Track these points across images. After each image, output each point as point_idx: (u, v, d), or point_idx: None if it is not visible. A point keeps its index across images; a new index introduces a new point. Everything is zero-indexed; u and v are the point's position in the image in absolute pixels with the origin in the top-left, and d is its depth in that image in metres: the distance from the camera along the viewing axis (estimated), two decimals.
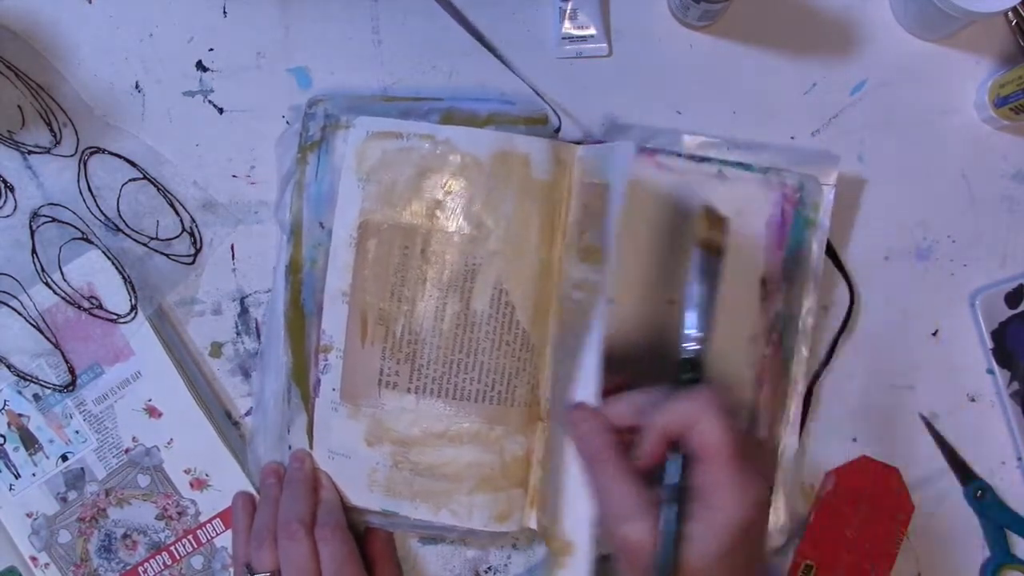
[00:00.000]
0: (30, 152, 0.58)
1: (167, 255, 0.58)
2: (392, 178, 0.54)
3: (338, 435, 0.55)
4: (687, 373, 0.48)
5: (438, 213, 0.54)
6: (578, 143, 0.55)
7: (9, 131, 0.58)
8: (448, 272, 0.53)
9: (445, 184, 0.54)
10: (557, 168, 0.54)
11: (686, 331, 0.48)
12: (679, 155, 0.56)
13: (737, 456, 0.42)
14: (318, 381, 0.55)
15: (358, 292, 0.54)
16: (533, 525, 0.55)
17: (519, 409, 0.54)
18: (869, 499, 0.56)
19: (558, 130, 0.57)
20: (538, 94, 0.58)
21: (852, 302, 0.58)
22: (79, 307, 0.56)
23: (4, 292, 0.56)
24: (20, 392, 0.56)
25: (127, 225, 0.58)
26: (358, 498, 0.55)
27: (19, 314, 0.56)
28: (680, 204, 0.56)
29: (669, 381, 0.47)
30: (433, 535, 0.57)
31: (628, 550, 0.43)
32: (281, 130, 0.58)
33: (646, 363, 0.55)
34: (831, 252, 0.57)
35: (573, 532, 0.51)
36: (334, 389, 0.54)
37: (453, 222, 0.54)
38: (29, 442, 0.56)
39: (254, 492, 0.56)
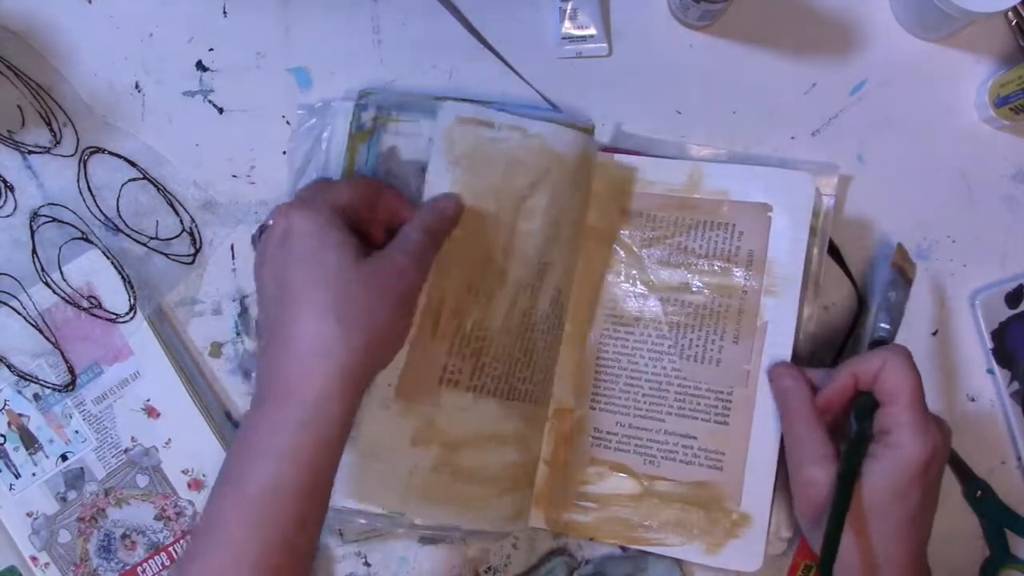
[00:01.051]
0: (30, 152, 0.58)
1: (167, 255, 0.58)
2: (482, 166, 0.52)
3: (378, 434, 0.51)
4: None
5: (522, 207, 0.52)
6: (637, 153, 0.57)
7: (9, 131, 0.58)
8: (524, 269, 0.52)
9: (533, 179, 0.52)
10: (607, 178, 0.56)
11: None
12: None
13: (920, 400, 0.46)
14: None
15: (437, 279, 0.51)
16: (539, 524, 0.55)
17: (543, 408, 0.54)
18: None
19: None
20: (539, 94, 0.58)
21: (860, 309, 0.57)
22: (79, 307, 0.56)
23: (4, 292, 0.56)
24: (20, 392, 0.56)
25: (127, 225, 0.58)
26: (377, 500, 0.51)
27: (19, 314, 0.56)
28: None
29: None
30: (433, 535, 0.57)
31: (808, 489, 0.48)
32: (281, 130, 0.58)
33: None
34: (838, 258, 0.57)
35: (752, 507, 0.53)
36: (390, 385, 0.51)
37: (535, 218, 0.52)
38: (29, 442, 0.56)
39: None
